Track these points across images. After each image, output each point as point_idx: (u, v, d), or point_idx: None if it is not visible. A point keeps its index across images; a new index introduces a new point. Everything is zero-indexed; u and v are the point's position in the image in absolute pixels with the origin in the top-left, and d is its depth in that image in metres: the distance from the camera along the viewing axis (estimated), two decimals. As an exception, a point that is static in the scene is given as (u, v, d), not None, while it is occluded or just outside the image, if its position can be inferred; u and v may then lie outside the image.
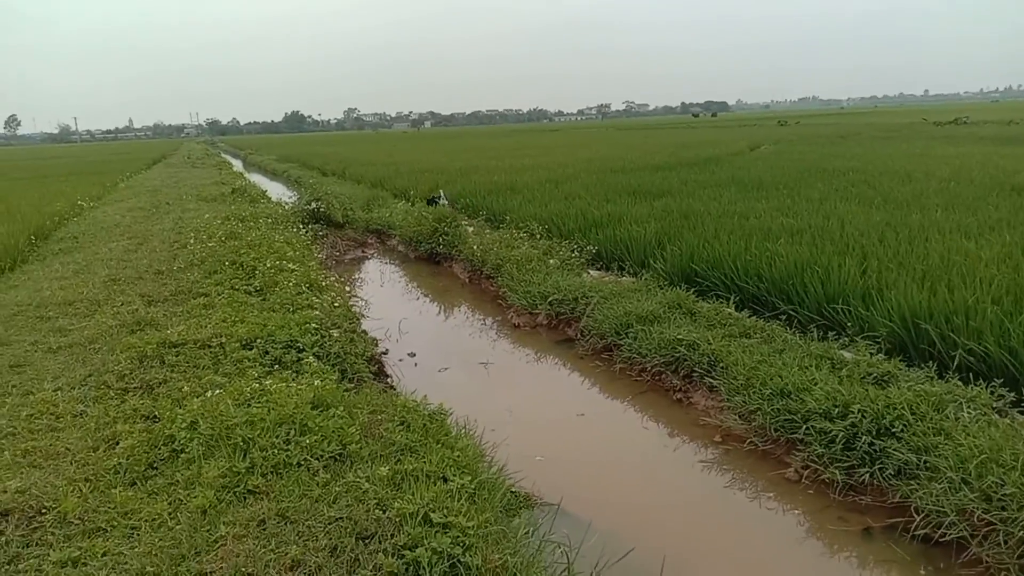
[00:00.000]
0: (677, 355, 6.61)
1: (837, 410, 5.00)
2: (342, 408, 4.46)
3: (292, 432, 4.09)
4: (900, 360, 5.68)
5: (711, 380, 6.18)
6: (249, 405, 4.51)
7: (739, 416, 5.67)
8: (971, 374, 5.29)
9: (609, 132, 68.22)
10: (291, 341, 5.94)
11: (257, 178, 34.21)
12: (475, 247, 11.45)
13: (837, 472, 4.71)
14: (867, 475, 4.60)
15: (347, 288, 9.36)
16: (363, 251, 15.06)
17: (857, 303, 6.55)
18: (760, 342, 6.48)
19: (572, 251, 10.36)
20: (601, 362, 7.47)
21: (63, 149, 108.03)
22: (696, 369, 6.42)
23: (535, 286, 9.23)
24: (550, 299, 8.80)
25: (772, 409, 5.37)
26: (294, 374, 5.48)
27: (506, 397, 6.85)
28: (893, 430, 4.70)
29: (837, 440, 4.80)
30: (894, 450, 4.55)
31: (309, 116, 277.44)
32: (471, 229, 13.37)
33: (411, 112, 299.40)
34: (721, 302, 7.49)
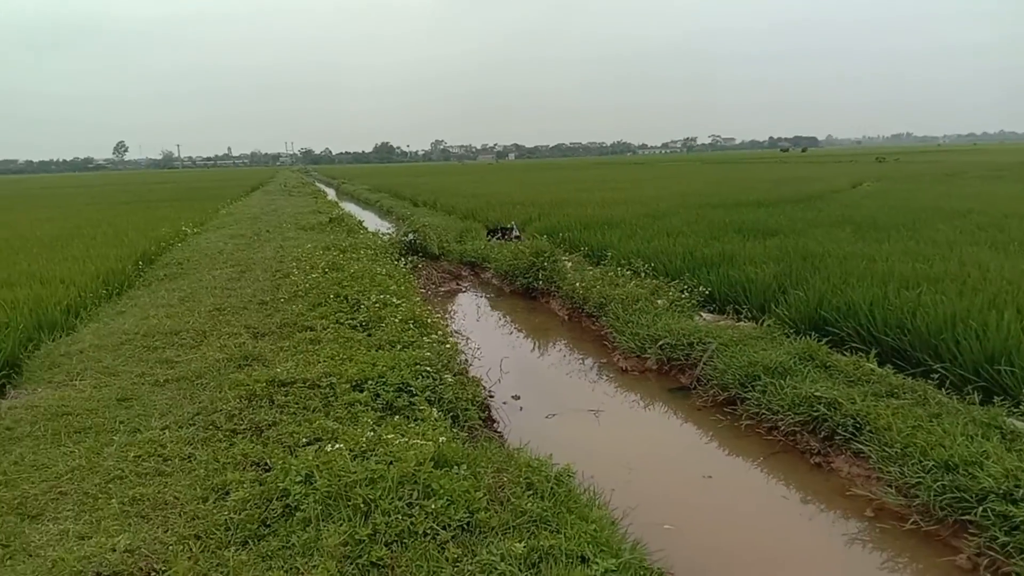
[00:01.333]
0: (815, 414, 6.03)
1: (1021, 491, 4.36)
2: (466, 467, 4.09)
3: (416, 494, 3.74)
4: (1087, 434, 4.98)
5: (858, 445, 5.58)
6: (366, 458, 4.20)
7: (895, 489, 5.05)
8: None
9: (697, 166, 67.23)
10: (403, 384, 5.65)
11: (351, 207, 34.77)
12: (576, 284, 11.05)
13: (1027, 566, 4.07)
14: (1066, 573, 3.95)
15: (450, 325, 9.07)
16: (458, 283, 14.85)
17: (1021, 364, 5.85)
18: (912, 404, 5.84)
19: (681, 291, 9.85)
20: (723, 416, 6.92)
21: (166, 174, 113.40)
22: (839, 431, 5.83)
23: (643, 328, 8.75)
24: (661, 343, 8.31)
25: (936, 485, 4.75)
26: (407, 420, 5.18)
27: (623, 451, 6.38)
28: (1097, 521, 4.04)
29: (1024, 528, 4.16)
30: (1101, 546, 3.89)
31: (398, 147, 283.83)
32: (569, 264, 13.00)
33: (495, 144, 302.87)
34: (860, 356, 6.86)
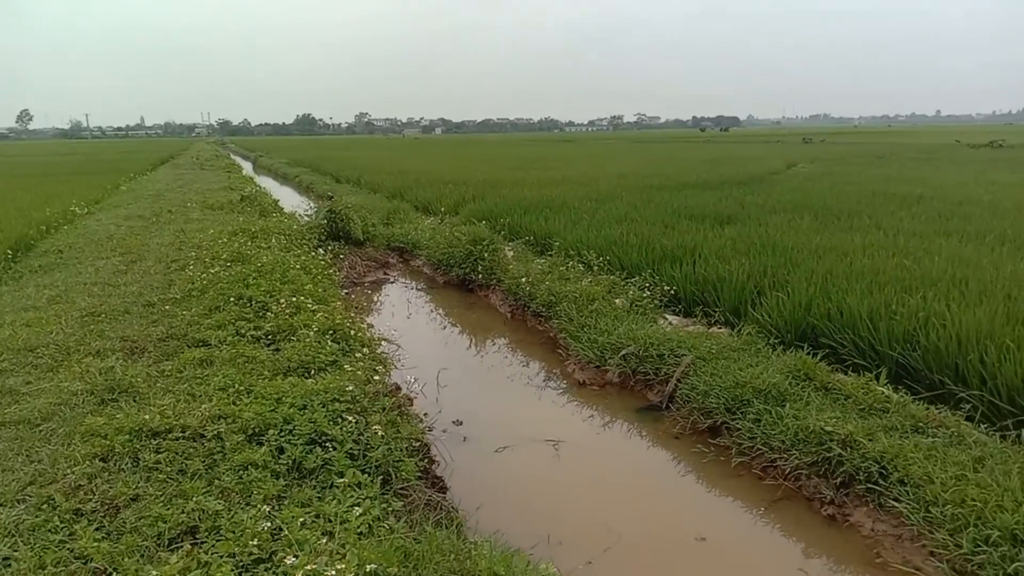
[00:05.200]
0: (827, 454, 4.94)
1: None
2: (405, 591, 2.79)
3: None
4: None
5: (887, 498, 4.51)
6: (257, 576, 2.86)
7: (947, 564, 3.98)
8: None
9: (626, 144, 66.61)
10: (317, 434, 4.29)
11: (267, 182, 32.63)
12: (522, 278, 9.79)
13: None
14: None
15: (377, 330, 7.70)
16: (384, 272, 13.39)
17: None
18: (946, 443, 4.81)
19: (642, 290, 8.70)
20: (706, 447, 5.80)
21: (71, 146, 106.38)
22: (858, 478, 4.76)
23: (602, 333, 7.59)
24: (623, 352, 7.15)
25: (1004, 560, 3.70)
26: (320, 490, 3.84)
27: (594, 501, 5.18)
28: None
29: None
30: None
31: (320, 119, 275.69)
32: (511, 254, 11.74)
33: (422, 118, 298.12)
34: (868, 376, 5.81)
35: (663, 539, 4.72)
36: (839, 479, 4.88)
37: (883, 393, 5.52)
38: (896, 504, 4.42)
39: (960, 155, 35.37)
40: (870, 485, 4.67)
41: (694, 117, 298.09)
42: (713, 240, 10.21)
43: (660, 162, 31.85)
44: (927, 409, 5.25)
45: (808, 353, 6.35)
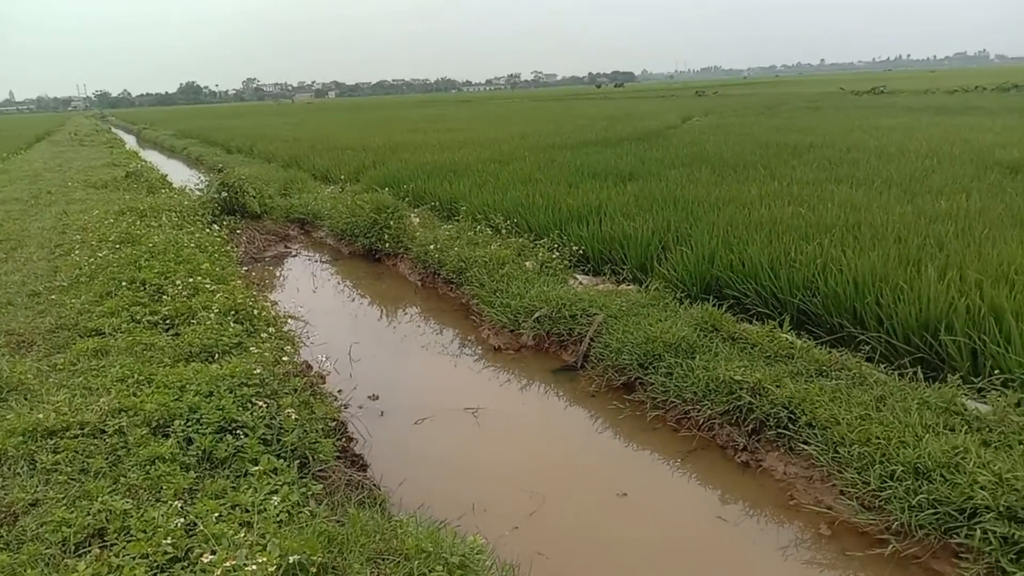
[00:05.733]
0: (738, 403, 5.09)
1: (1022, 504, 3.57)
2: (332, 578, 2.71)
3: (258, 658, 2.33)
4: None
5: (797, 442, 4.68)
6: (174, 578, 2.72)
7: (856, 501, 4.17)
8: None
9: (525, 104, 66.39)
10: (226, 421, 4.11)
11: (154, 157, 31.09)
12: (430, 245, 9.65)
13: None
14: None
15: (282, 307, 7.45)
16: (286, 245, 12.98)
17: (965, 331, 5.15)
18: (849, 385, 5.02)
19: (551, 251, 8.71)
20: (622, 404, 5.88)
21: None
22: (768, 424, 4.92)
23: (515, 298, 7.56)
24: (537, 315, 7.16)
25: (912, 497, 3.90)
26: (235, 479, 3.69)
27: (515, 465, 5.19)
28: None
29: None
30: None
31: (206, 87, 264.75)
32: (417, 220, 11.55)
33: (314, 82, 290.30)
34: (771, 324, 5.98)
35: (586, 498, 4.77)
36: (750, 426, 5.04)
37: (787, 340, 5.71)
38: (805, 447, 4.59)
39: (845, 102, 36.88)
40: (780, 430, 4.83)
41: (590, 73, 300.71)
42: (617, 198, 10.30)
43: (560, 120, 31.90)
44: (829, 353, 5.47)
45: (714, 305, 6.51)
